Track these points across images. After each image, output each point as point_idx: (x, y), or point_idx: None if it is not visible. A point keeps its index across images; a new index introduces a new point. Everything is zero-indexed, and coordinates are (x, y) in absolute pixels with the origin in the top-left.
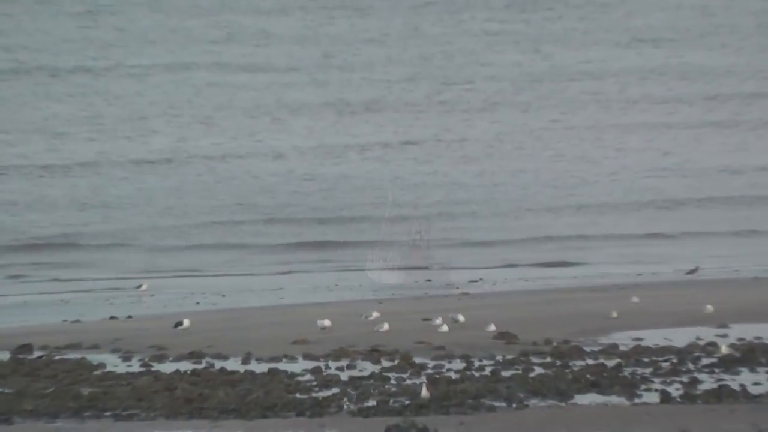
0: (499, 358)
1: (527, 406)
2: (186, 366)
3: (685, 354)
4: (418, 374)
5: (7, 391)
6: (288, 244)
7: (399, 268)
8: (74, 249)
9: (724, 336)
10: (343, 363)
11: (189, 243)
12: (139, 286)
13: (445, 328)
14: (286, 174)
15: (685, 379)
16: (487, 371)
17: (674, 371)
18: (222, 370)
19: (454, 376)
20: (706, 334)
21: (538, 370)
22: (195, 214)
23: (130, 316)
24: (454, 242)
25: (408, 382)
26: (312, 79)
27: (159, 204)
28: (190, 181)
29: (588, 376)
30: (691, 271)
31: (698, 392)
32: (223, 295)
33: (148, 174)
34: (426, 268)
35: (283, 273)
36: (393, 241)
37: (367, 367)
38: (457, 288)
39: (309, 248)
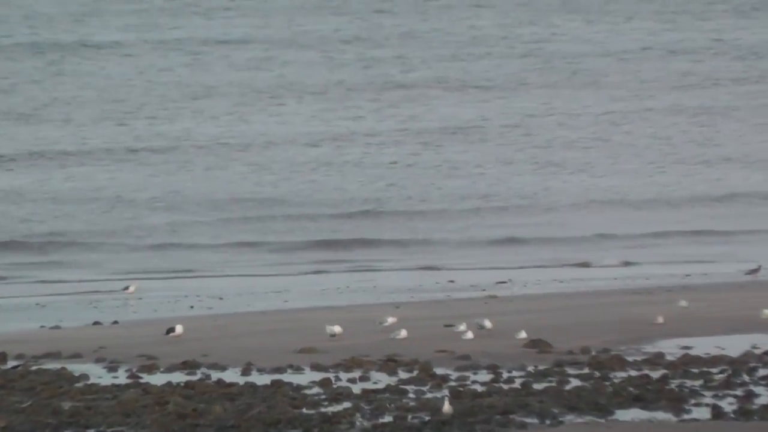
0: (530, 368)
1: (562, 422)
2: (179, 377)
3: (740, 364)
4: (439, 387)
5: None
6: (293, 242)
7: (418, 269)
8: (52, 247)
9: None
10: (356, 374)
11: (182, 240)
12: (126, 288)
13: (469, 335)
14: (289, 163)
15: (739, 392)
16: (517, 384)
17: (727, 384)
18: (219, 381)
19: (479, 388)
20: (764, 342)
21: (575, 383)
22: (189, 208)
23: (115, 322)
24: (479, 240)
25: (428, 395)
26: (325, 57)
27: (148, 197)
28: (182, 172)
29: (630, 389)
30: (752, 271)
31: (755, 407)
32: (221, 298)
33: (133, 164)
34: (447, 268)
35: (288, 274)
36: (412, 238)
37: (382, 379)
38: (484, 290)
39: (316, 246)
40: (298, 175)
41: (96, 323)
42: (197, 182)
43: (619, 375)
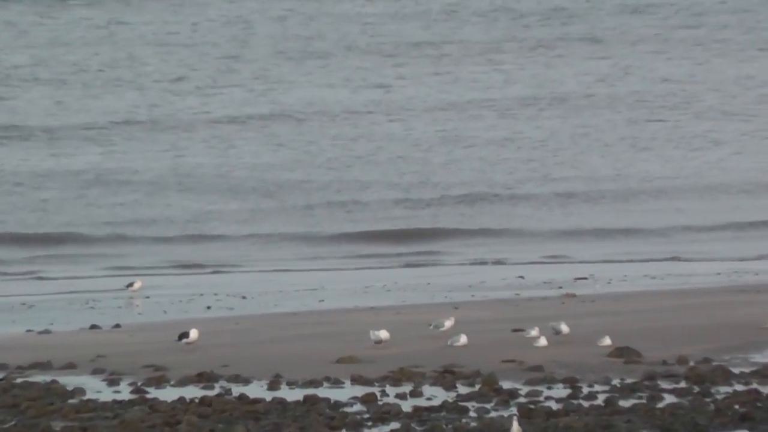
0: (616, 382)
1: None
2: (193, 392)
3: None
4: (506, 404)
5: None
6: (332, 234)
7: (480, 263)
8: (42, 238)
9: None
10: (405, 388)
11: (196, 232)
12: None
13: (542, 341)
14: (329, 137)
15: None
16: (600, 400)
17: None
18: (241, 397)
19: (555, 406)
20: None
21: (669, 399)
22: (207, 193)
23: (117, 325)
24: (557, 229)
25: (493, 414)
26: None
27: (155, 182)
28: (197, 151)
29: (736, 406)
30: None
31: None
32: (244, 297)
33: (134, 141)
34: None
35: (324, 269)
36: (473, 228)
37: (437, 395)
38: (560, 287)
39: (358, 238)
40: (340, 153)
41: (94, 327)
42: (217, 162)
43: (723, 390)
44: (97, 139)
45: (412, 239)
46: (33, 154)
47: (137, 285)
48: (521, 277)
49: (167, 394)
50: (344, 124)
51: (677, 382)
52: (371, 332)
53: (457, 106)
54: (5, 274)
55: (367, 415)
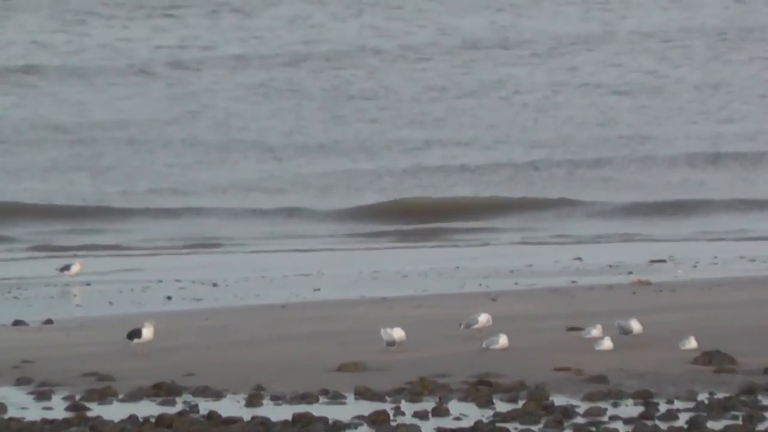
0: (703, 397)
1: None
2: (148, 409)
3: None
4: (559, 426)
5: None
6: (340, 210)
7: (521, 242)
8: None
9: None
10: (427, 405)
11: (152, 204)
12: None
13: (607, 343)
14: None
15: None
16: (682, 421)
17: None
18: (211, 416)
19: (622, 429)
20: None
21: None
22: (159, 150)
23: (49, 321)
24: (625, 202)
25: None
26: None
27: (115, 139)
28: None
29: None
30: None
31: None
32: (215, 285)
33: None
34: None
35: (319, 249)
36: (512, 197)
37: (468, 413)
38: (629, 273)
39: (370, 213)
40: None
41: (18, 323)
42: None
43: None
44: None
45: (428, 214)
46: None
47: (75, 268)
48: (579, 258)
49: (114, 412)
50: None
51: None
52: (382, 331)
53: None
54: None
55: None
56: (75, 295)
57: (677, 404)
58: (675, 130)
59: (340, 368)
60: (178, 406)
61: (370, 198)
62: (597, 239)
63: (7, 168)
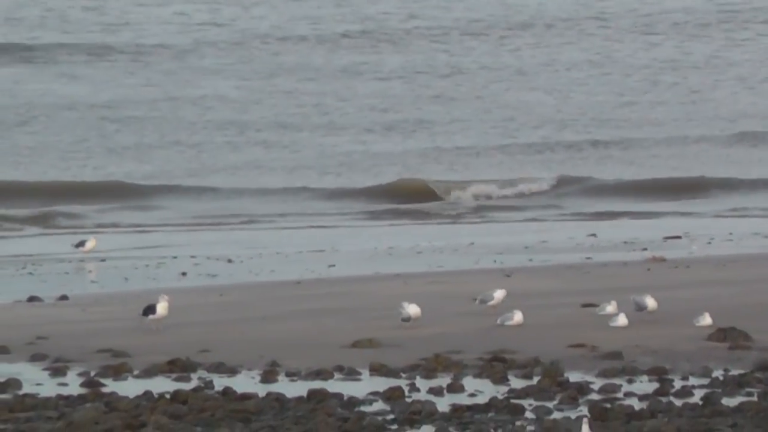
0: (717, 374)
1: None
2: (162, 385)
3: None
4: (573, 402)
5: None
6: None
7: (537, 219)
8: None
9: None
10: (442, 381)
11: (169, 180)
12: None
13: (621, 320)
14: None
15: None
16: (697, 398)
17: None
18: (227, 392)
19: (637, 405)
20: None
21: None
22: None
23: (64, 297)
24: (639, 178)
25: (556, 415)
26: None
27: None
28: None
29: None
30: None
31: None
32: (230, 261)
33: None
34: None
35: (331, 226)
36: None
37: (484, 389)
38: (644, 249)
39: (385, 194)
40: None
41: (33, 299)
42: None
43: None
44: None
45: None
46: None
47: (90, 244)
48: (593, 235)
49: (129, 388)
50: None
51: None
52: (398, 307)
53: None
54: None
55: (391, 416)
56: (90, 271)
57: (692, 381)
58: (701, 109)
59: (355, 344)
60: (193, 383)
61: (389, 177)
62: (611, 214)
63: (31, 145)
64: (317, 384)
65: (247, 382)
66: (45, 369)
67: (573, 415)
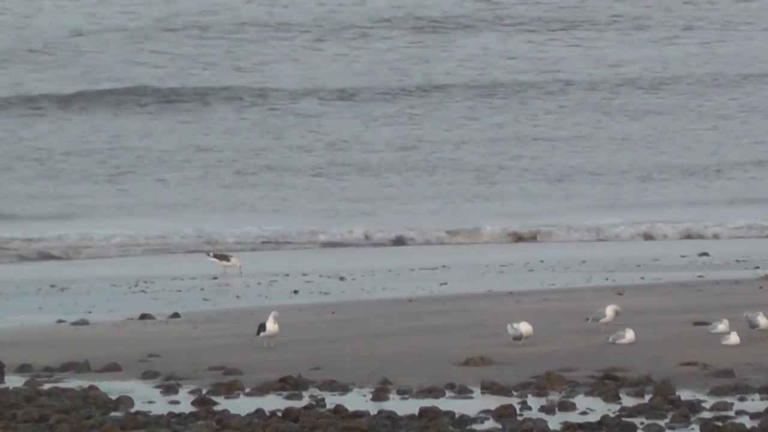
0: None
1: None
2: (274, 403)
3: None
4: (685, 420)
5: None
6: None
7: (646, 237)
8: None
9: None
10: (554, 399)
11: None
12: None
13: (734, 338)
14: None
15: None
16: None
17: None
18: (338, 410)
19: (749, 423)
20: None
21: None
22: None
23: (175, 314)
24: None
25: None
26: None
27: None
28: None
29: None
30: None
31: None
32: (342, 278)
33: None
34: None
35: (442, 243)
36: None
37: (595, 407)
38: (757, 267)
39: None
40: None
41: (144, 317)
42: None
43: None
44: None
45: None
46: None
47: (234, 261)
48: (706, 253)
49: (240, 406)
50: None
51: None
52: (509, 325)
53: None
54: (29, 240)
55: None
56: (202, 289)
57: None
58: None
59: (467, 362)
60: (305, 400)
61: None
62: (725, 233)
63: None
64: (428, 402)
65: (358, 400)
66: (156, 386)
67: None
